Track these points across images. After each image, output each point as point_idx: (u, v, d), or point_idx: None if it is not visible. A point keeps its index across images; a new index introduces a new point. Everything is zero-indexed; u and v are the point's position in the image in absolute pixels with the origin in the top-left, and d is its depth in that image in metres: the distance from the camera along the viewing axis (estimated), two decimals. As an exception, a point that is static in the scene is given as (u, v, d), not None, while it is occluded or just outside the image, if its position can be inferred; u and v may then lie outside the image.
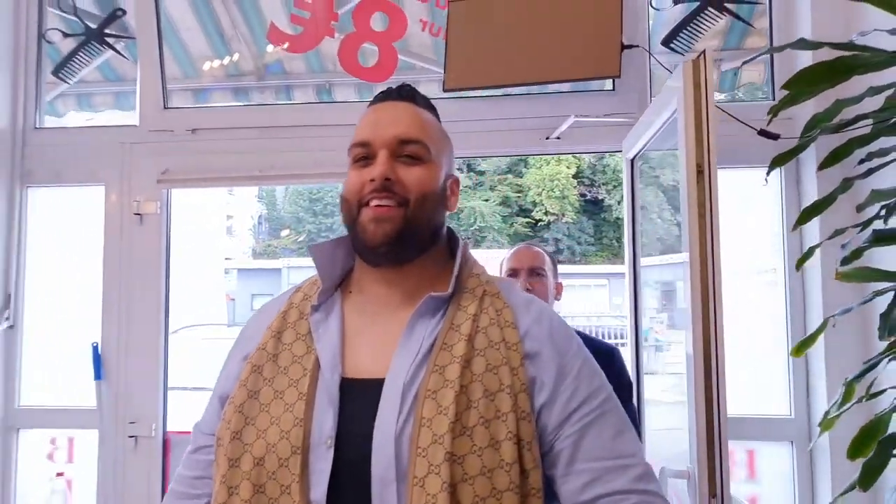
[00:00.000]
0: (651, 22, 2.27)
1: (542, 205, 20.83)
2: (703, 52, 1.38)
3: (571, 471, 0.86)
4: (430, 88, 2.33)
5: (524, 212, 21.43)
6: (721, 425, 1.33)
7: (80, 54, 2.59)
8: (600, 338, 2.48)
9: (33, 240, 2.50)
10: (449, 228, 1.03)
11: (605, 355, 1.74)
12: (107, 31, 2.59)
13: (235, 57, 2.88)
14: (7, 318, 2.40)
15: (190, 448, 1.02)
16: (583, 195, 21.08)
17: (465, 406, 0.84)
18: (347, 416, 0.87)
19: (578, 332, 1.88)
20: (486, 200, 21.31)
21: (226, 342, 1.01)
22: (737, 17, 2.24)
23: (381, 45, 2.31)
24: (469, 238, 20.47)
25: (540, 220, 20.93)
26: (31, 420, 2.42)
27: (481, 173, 21.57)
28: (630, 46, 2.01)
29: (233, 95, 3.00)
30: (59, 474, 2.36)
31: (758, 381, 2.18)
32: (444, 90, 2.19)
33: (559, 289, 1.95)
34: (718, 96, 2.45)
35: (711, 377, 1.34)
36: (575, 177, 20.65)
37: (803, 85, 1.36)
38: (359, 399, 0.88)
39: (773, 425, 2.13)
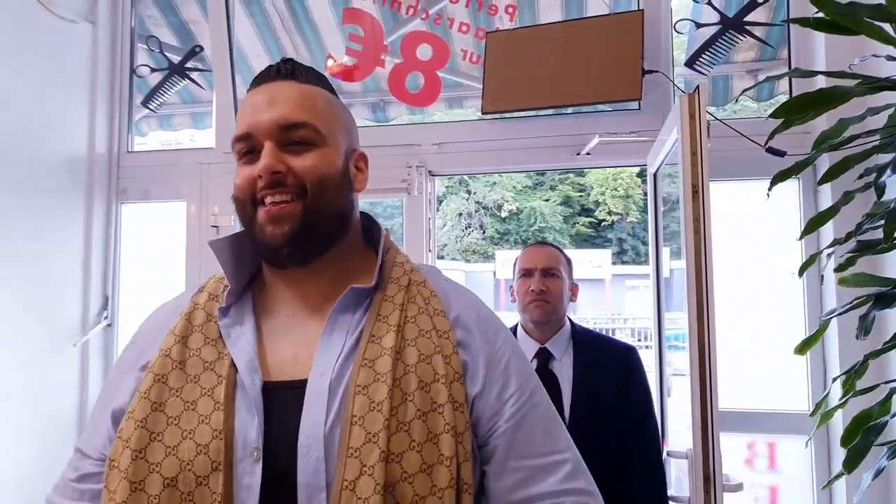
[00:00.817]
0: (684, 38, 2.44)
1: (606, 204, 20.58)
2: (698, 87, 1.56)
3: (505, 468, 0.82)
4: (477, 104, 2.55)
5: (586, 212, 21.24)
6: (713, 415, 1.51)
7: (165, 85, 2.95)
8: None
9: (126, 248, 2.88)
10: (364, 213, 0.96)
11: (623, 353, 1.82)
12: (187, 65, 2.94)
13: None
14: (105, 318, 2.77)
15: (70, 475, 0.87)
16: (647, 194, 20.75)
17: (399, 400, 0.78)
18: (272, 423, 0.78)
19: (594, 333, 1.90)
20: (547, 200, 21.23)
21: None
22: (757, 38, 2.38)
23: (426, 72, 2.56)
24: (530, 240, 20.49)
25: (603, 220, 20.70)
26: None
27: (542, 173, 21.59)
28: (651, 72, 2.19)
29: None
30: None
31: (780, 378, 2.32)
32: (482, 113, 2.42)
33: (574, 291, 1.90)
34: (753, 105, 2.57)
35: (706, 373, 1.52)
36: (639, 175, 20.43)
37: (793, 112, 1.52)
38: (282, 403, 0.79)
39: (794, 420, 2.26)
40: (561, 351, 1.81)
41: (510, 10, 2.51)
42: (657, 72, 2.20)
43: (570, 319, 1.89)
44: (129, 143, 2.90)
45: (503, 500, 0.82)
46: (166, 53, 2.96)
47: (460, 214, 21.38)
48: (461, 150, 2.58)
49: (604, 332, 2.24)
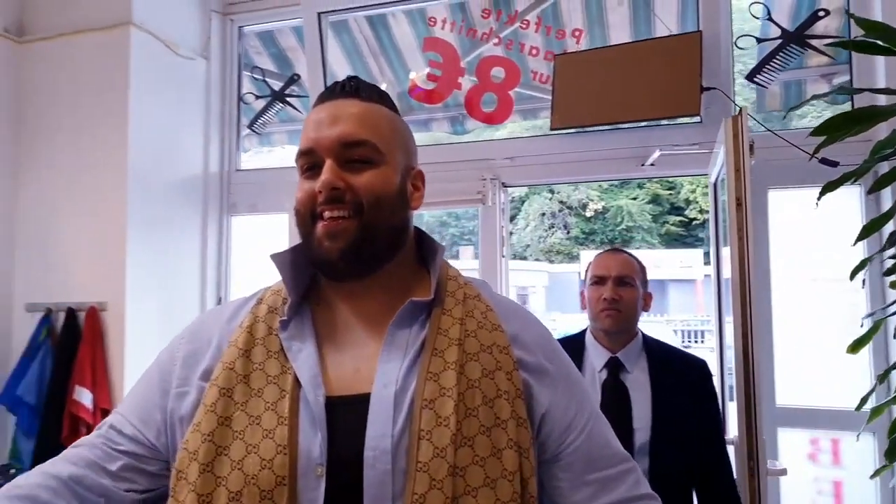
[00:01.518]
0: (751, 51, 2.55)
1: (697, 203, 20.01)
2: (741, 110, 1.72)
3: (581, 481, 0.84)
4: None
5: (676, 210, 20.70)
6: (756, 405, 1.67)
7: (267, 110, 3.32)
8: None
9: (236, 255, 3.26)
10: (418, 229, 0.97)
11: (698, 368, 1.72)
12: (286, 92, 3.29)
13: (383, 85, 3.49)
14: (220, 316, 3.16)
15: (100, 441, 0.87)
16: (740, 192, 20.01)
17: (464, 415, 0.79)
18: (335, 438, 0.79)
19: (666, 345, 1.81)
20: (634, 199, 20.83)
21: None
22: (818, 50, 2.47)
23: (499, 93, 2.79)
24: (617, 239, 20.19)
25: (694, 219, 20.13)
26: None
27: (628, 171, 21.13)
28: (709, 88, 2.33)
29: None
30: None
31: (846, 377, 2.40)
32: (551, 129, 2.63)
33: (648, 300, 1.82)
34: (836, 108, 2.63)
35: (749, 368, 1.68)
36: (731, 172, 19.66)
37: (831, 131, 1.65)
38: (345, 418, 0.80)
39: (857, 417, 2.34)
40: (633, 362, 1.72)
41: (577, 33, 2.71)
42: (715, 88, 2.33)
43: (641, 330, 1.80)
44: (237, 162, 3.28)
45: (559, 485, 0.85)
46: (268, 80, 3.33)
47: (543, 214, 21.37)
48: (531, 162, 2.79)
49: (691, 336, 2.13)
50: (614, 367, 1.71)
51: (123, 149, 2.73)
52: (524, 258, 20.60)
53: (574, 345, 1.77)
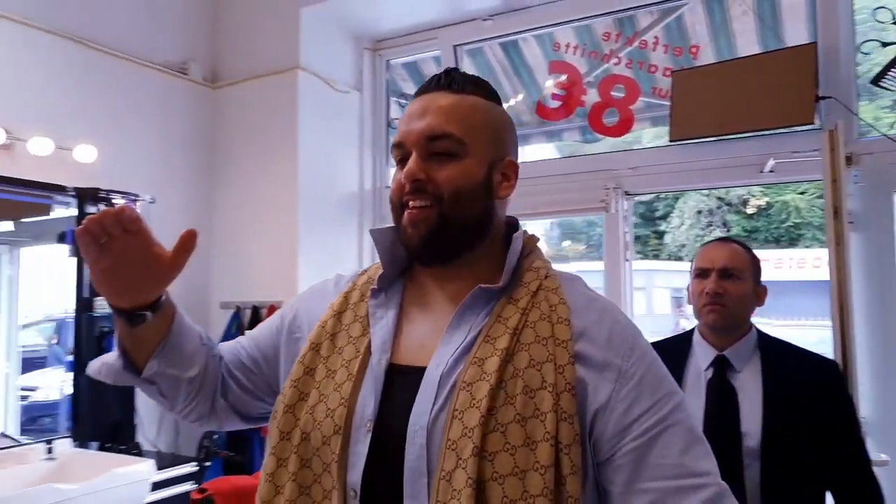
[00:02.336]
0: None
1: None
2: (837, 124, 1.81)
3: (633, 489, 0.79)
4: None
5: (851, 205, 18.96)
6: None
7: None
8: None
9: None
10: (510, 218, 0.99)
11: (824, 368, 1.60)
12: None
13: (511, 102, 3.78)
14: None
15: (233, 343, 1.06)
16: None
17: (502, 401, 0.80)
18: (389, 402, 0.85)
19: (787, 343, 1.66)
20: (802, 193, 19.40)
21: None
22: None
23: (620, 108, 2.98)
24: (783, 238, 18.93)
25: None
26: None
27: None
28: (824, 98, 2.38)
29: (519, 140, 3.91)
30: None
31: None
32: (670, 140, 2.78)
33: (761, 294, 1.67)
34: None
35: (847, 368, 1.78)
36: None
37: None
38: (401, 386, 0.86)
39: None
40: (743, 361, 1.60)
41: (693, 49, 2.83)
42: (830, 97, 2.37)
43: (755, 326, 1.67)
44: (386, 179, 3.73)
45: (621, 490, 0.80)
46: (410, 101, 3.74)
47: (699, 212, 20.45)
48: (653, 171, 2.95)
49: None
50: (721, 366, 1.60)
51: (294, 172, 3.26)
52: (679, 258, 19.86)
53: (681, 343, 1.70)
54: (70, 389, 2.86)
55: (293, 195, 3.26)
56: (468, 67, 3.60)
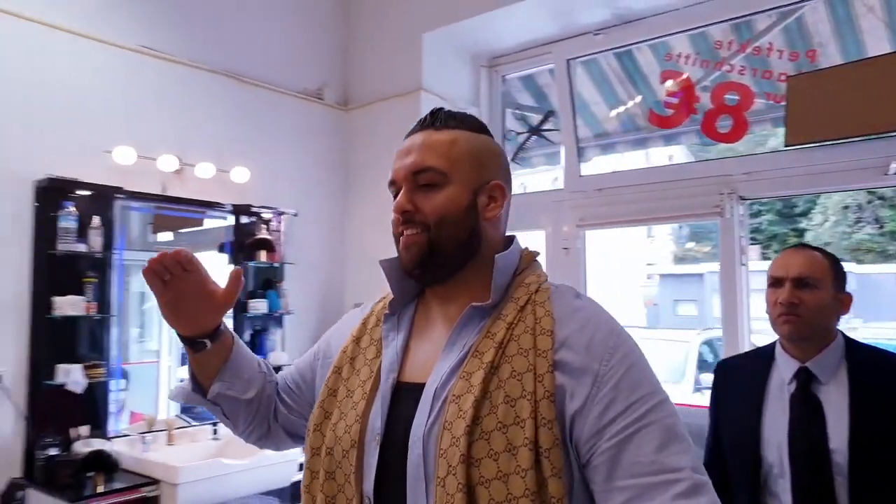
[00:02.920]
0: None
1: None
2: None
3: (611, 487, 0.83)
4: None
5: None
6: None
7: (527, 143, 3.91)
8: None
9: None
10: (510, 237, 1.04)
11: None
12: (542, 128, 3.85)
13: (629, 105, 3.85)
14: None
15: (288, 371, 1.19)
16: None
17: (486, 411, 0.85)
18: (395, 416, 0.92)
19: (882, 352, 1.57)
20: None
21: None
22: None
23: (734, 114, 3.00)
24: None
25: None
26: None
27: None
28: (948, 97, 2.30)
29: (630, 145, 3.97)
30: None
31: None
32: (786, 145, 2.76)
33: (846, 302, 1.58)
34: None
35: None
36: None
37: None
38: (405, 401, 0.92)
39: None
40: (829, 373, 1.52)
41: (810, 54, 2.80)
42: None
43: (843, 334, 1.58)
44: (504, 188, 3.93)
45: (602, 488, 0.83)
46: (526, 115, 3.92)
47: (846, 207, 18.96)
48: (769, 176, 2.94)
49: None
50: (805, 379, 1.53)
51: (418, 185, 3.53)
52: (821, 257, 18.47)
53: (762, 356, 1.64)
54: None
55: (417, 206, 3.53)
56: (582, 77, 3.71)
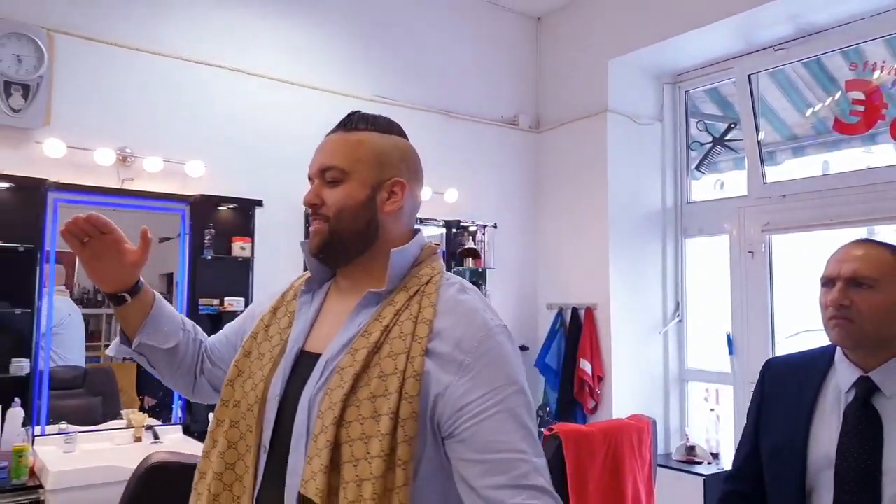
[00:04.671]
0: None
1: None
2: None
3: (467, 459, 0.94)
4: None
5: None
6: None
7: (710, 153, 4.11)
8: None
9: (689, 268, 4.15)
10: (417, 231, 1.14)
11: None
12: (725, 138, 4.04)
13: (817, 107, 3.90)
14: (678, 316, 4.10)
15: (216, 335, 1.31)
16: None
17: (363, 383, 0.97)
18: (294, 380, 1.04)
19: None
20: None
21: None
22: None
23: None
24: None
25: None
26: (695, 376, 4.08)
27: None
28: None
29: (822, 147, 4.01)
30: (711, 410, 3.90)
31: None
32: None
33: None
34: None
35: None
36: None
37: None
38: (304, 368, 1.04)
39: None
40: (894, 384, 1.34)
41: None
42: None
43: None
44: (688, 196, 4.18)
45: (467, 486, 0.94)
46: (709, 126, 4.13)
47: None
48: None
49: None
50: (865, 390, 1.35)
51: (604, 195, 3.93)
52: None
53: (819, 359, 1.47)
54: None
55: (604, 214, 3.93)
56: (766, 84, 3.85)
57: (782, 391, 1.48)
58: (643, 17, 3.82)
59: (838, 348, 1.43)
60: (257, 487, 1.02)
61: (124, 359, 1.27)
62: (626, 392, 3.89)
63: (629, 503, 2.37)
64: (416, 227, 1.16)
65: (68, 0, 2.93)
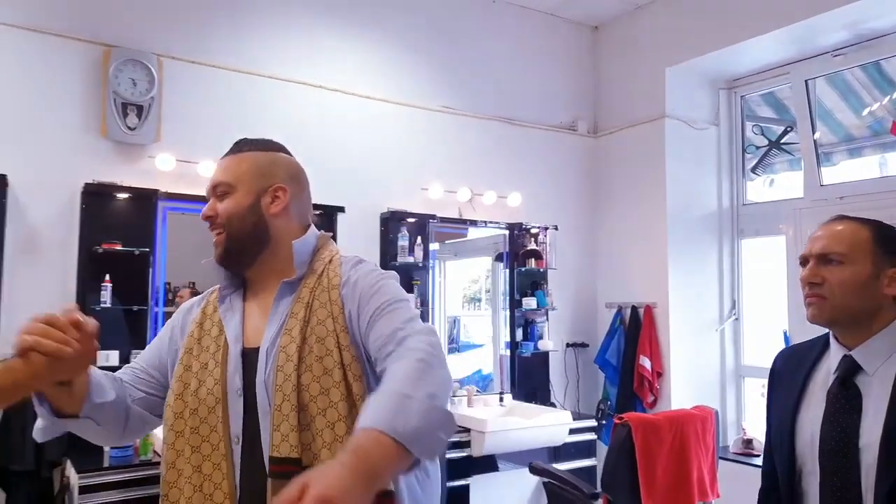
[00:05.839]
0: None
1: None
2: None
3: (372, 340, 1.14)
4: None
5: None
6: None
7: (767, 156, 4.23)
8: None
9: (745, 268, 4.28)
10: (307, 226, 1.30)
11: None
12: (782, 141, 4.16)
13: (874, 107, 3.99)
14: (734, 314, 4.23)
15: (130, 367, 1.31)
16: None
17: (307, 352, 1.14)
18: (248, 373, 1.18)
19: None
20: None
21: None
22: None
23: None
24: None
25: None
26: (751, 372, 4.21)
27: None
28: None
29: (874, 149, 4.07)
30: (766, 406, 4.02)
31: None
32: None
33: (891, 277, 1.33)
34: None
35: None
36: None
37: None
38: (251, 361, 1.18)
39: None
40: (876, 361, 1.32)
41: None
42: None
43: None
44: (744, 197, 4.30)
45: (376, 356, 1.13)
46: (765, 129, 4.24)
47: None
48: None
49: None
50: (847, 369, 1.35)
51: (663, 198, 4.09)
52: None
53: (815, 345, 1.48)
54: (507, 363, 4.17)
55: (662, 216, 4.10)
56: (823, 88, 3.95)
57: (783, 378, 1.51)
58: (700, 27, 3.97)
59: (831, 332, 1.43)
60: (237, 477, 1.15)
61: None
62: (684, 387, 4.04)
63: (695, 487, 2.56)
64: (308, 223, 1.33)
65: (175, 28, 3.26)
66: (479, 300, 4.49)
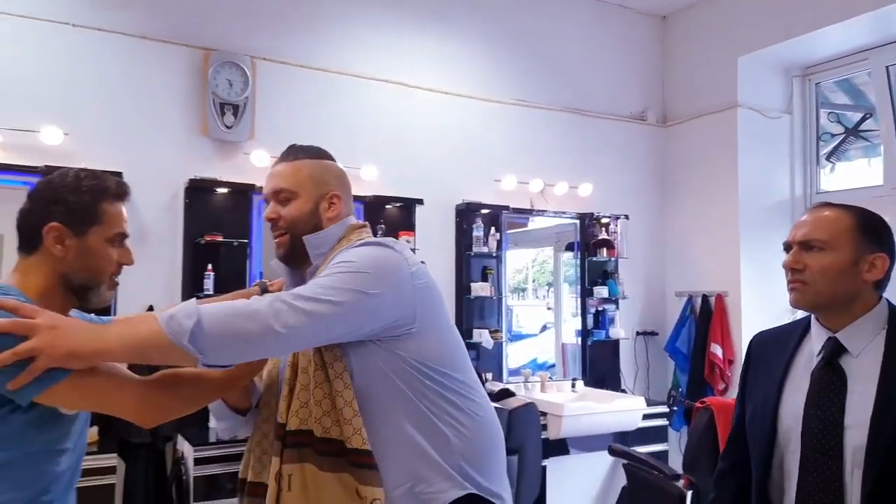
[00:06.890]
0: None
1: None
2: None
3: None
4: None
5: None
6: None
7: (843, 144, 4.19)
8: None
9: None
10: (353, 225, 1.38)
11: None
12: (860, 128, 4.11)
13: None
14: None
15: None
16: None
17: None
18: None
19: None
20: None
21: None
22: None
23: None
24: None
25: None
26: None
27: None
28: None
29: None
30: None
31: None
32: None
33: (877, 263, 1.35)
34: None
35: None
36: None
37: None
38: None
39: None
40: (861, 344, 1.35)
41: None
42: None
43: (888, 302, 1.41)
44: (818, 186, 4.27)
45: None
46: (841, 116, 4.20)
47: None
48: None
49: None
50: (832, 350, 1.37)
51: (735, 187, 4.11)
52: None
53: (796, 329, 1.49)
54: (579, 352, 4.26)
55: (734, 205, 4.11)
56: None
57: (762, 361, 1.52)
58: (773, 14, 3.95)
59: (812, 315, 1.45)
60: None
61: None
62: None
63: (775, 470, 2.60)
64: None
65: (267, 31, 3.45)
66: (526, 289, 4.50)
